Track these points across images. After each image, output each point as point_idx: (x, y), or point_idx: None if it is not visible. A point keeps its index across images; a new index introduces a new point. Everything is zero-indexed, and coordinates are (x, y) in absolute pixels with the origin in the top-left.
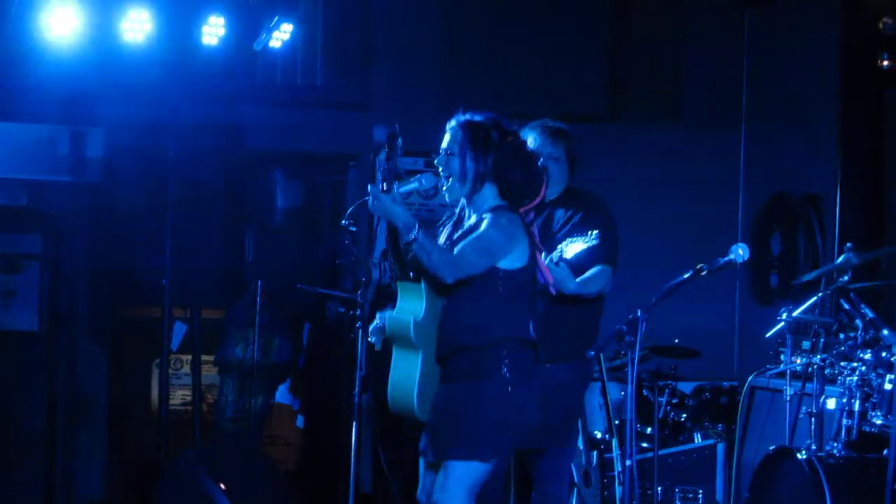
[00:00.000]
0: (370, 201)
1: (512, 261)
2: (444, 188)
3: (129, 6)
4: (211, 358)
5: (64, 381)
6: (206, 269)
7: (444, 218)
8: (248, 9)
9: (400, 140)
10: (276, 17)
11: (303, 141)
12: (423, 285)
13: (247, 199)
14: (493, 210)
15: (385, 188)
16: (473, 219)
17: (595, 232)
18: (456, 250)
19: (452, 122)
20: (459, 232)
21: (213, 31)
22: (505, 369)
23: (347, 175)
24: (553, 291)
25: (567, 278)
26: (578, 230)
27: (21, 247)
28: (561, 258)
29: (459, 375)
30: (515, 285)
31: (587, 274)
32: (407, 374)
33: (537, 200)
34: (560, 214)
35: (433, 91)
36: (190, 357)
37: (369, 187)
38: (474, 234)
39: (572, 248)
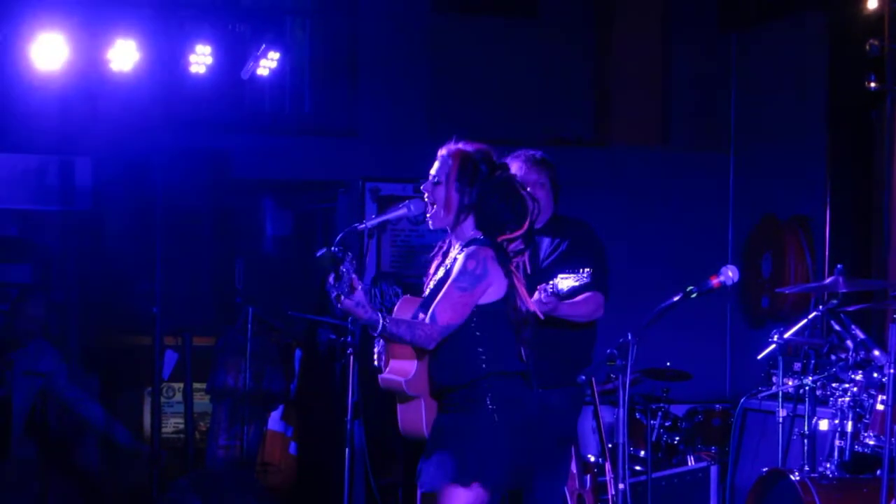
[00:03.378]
0: (337, 306)
1: (486, 295)
2: (428, 216)
3: (115, 36)
4: (203, 385)
5: (55, 409)
6: (197, 296)
7: (435, 250)
8: (236, 37)
9: (348, 257)
10: (264, 45)
11: (292, 168)
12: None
13: (236, 226)
14: (466, 246)
15: (346, 291)
16: (454, 251)
17: (587, 270)
18: (429, 314)
19: (444, 151)
20: (445, 266)
21: (201, 59)
22: (489, 401)
23: (337, 202)
24: (541, 315)
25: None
26: (567, 260)
27: (11, 276)
28: (553, 290)
29: (450, 408)
30: (492, 319)
31: (577, 298)
32: (412, 408)
33: (521, 231)
34: (547, 243)
35: (421, 117)
36: (182, 385)
37: (331, 291)
38: (445, 289)
39: (565, 284)
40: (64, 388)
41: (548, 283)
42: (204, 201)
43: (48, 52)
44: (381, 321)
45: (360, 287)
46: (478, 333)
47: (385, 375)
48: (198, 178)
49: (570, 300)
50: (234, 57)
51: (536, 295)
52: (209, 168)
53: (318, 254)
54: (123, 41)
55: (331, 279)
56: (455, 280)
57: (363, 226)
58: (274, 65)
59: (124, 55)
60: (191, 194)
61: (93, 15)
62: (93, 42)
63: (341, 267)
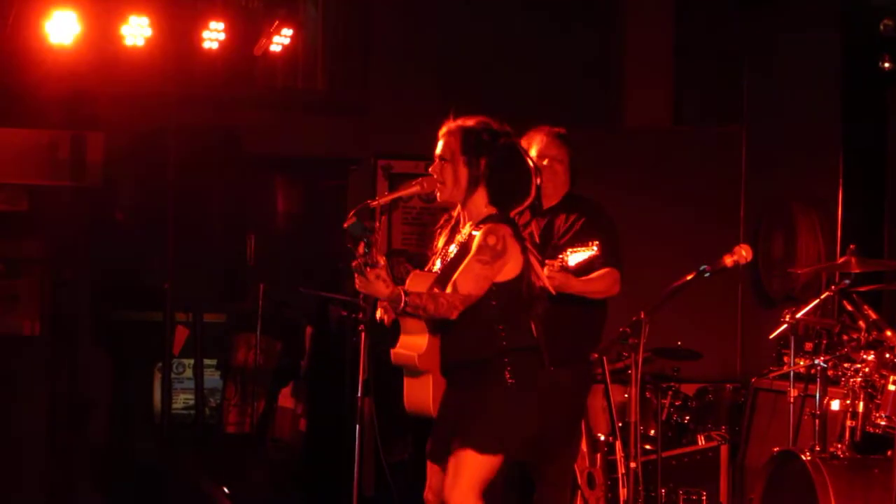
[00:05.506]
0: (356, 282)
1: (504, 273)
2: (438, 193)
3: (129, 12)
4: (213, 362)
5: (65, 385)
6: (208, 273)
7: (442, 222)
8: (249, 14)
9: (375, 228)
10: (277, 22)
11: (303, 145)
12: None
13: (248, 203)
14: (483, 222)
15: (366, 273)
16: (467, 228)
17: (595, 243)
18: (450, 285)
19: (444, 129)
20: (456, 242)
21: (214, 35)
22: (508, 376)
23: (348, 179)
24: (552, 291)
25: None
26: (580, 238)
27: (23, 251)
28: (563, 266)
29: (464, 385)
30: (510, 295)
31: (592, 275)
32: (420, 384)
33: (529, 200)
34: (561, 221)
35: (433, 95)
36: (192, 361)
37: (359, 263)
38: (466, 262)
39: (575, 257)
40: None
41: (556, 258)
42: (215, 178)
43: (61, 27)
44: (403, 296)
45: (382, 262)
46: (496, 311)
47: (397, 350)
48: (210, 155)
49: (585, 277)
50: (247, 33)
51: (546, 270)
52: (221, 144)
53: (347, 224)
54: (136, 17)
55: (361, 250)
56: (476, 253)
57: (375, 203)
58: (287, 41)
59: (138, 31)
60: (202, 170)
61: None
62: (106, 17)
63: (370, 238)
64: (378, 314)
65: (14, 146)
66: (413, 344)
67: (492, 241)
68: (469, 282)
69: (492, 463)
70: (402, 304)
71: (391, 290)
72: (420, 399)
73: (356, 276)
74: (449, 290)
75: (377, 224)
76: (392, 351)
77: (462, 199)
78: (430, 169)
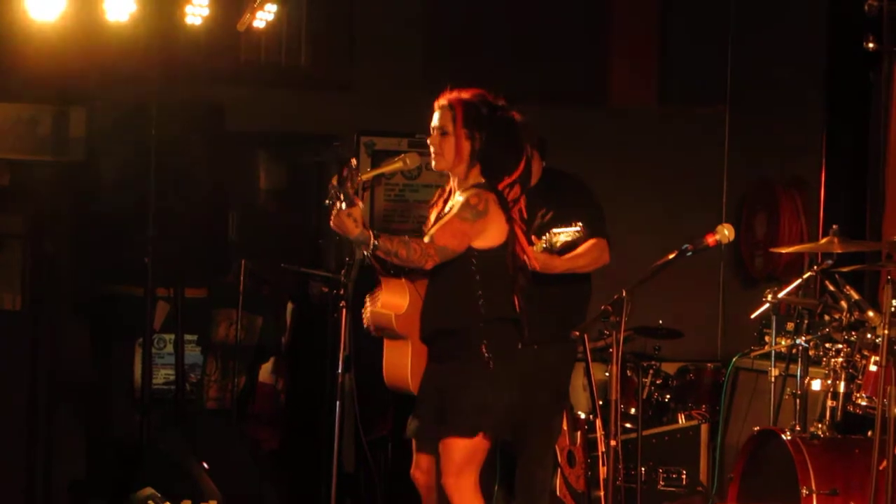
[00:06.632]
0: (331, 220)
1: (486, 239)
2: (433, 166)
3: None
4: (194, 338)
5: (45, 360)
6: (190, 248)
7: (435, 197)
8: None
9: (356, 164)
10: None
11: (286, 121)
12: (404, 281)
13: (230, 178)
14: (469, 189)
15: (341, 207)
16: (456, 196)
17: (579, 224)
18: (427, 236)
19: (443, 101)
20: (447, 210)
21: (197, 11)
22: (485, 350)
23: (330, 155)
24: (535, 267)
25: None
26: (561, 218)
27: (3, 226)
28: (547, 247)
29: (444, 356)
30: (492, 264)
31: (577, 250)
32: (398, 353)
33: (517, 174)
34: (539, 203)
35: (416, 71)
36: (173, 336)
37: (333, 195)
38: (446, 218)
39: (558, 239)
40: None
41: (541, 239)
42: (198, 153)
43: (45, 2)
44: (372, 237)
45: (360, 205)
46: (477, 278)
47: (375, 309)
48: (192, 130)
49: (570, 254)
50: (230, 9)
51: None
52: (204, 120)
53: (333, 147)
54: None
55: (335, 181)
56: (458, 211)
57: (358, 178)
58: (270, 17)
59: (121, 5)
60: (184, 146)
61: None
62: None
63: (351, 175)
64: (365, 318)
65: None
66: (392, 304)
67: (474, 201)
68: (446, 234)
69: (478, 444)
70: (372, 247)
71: (360, 231)
72: (398, 371)
73: (331, 213)
74: (426, 240)
75: (357, 166)
76: (371, 311)
77: (462, 172)
78: (428, 140)
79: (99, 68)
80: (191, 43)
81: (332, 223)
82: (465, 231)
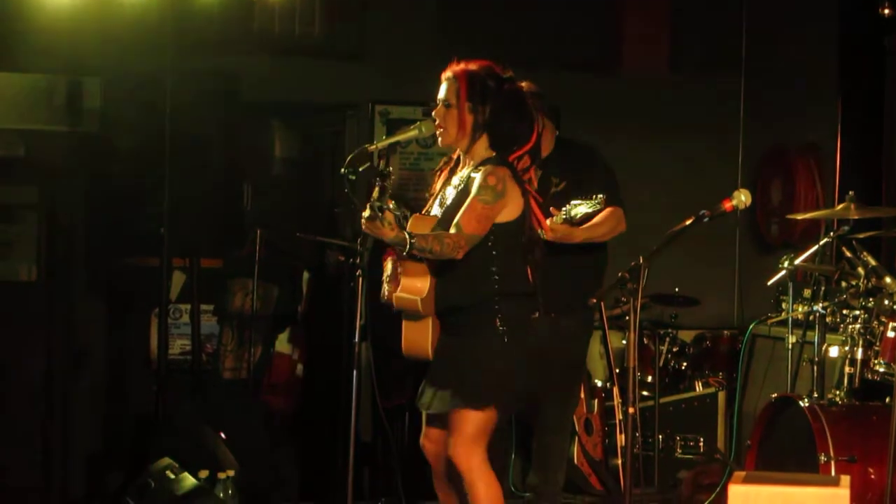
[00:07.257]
0: (363, 223)
1: (504, 215)
2: (439, 138)
3: None
4: (210, 307)
5: (61, 331)
6: (205, 218)
7: (441, 164)
8: None
9: (390, 172)
10: None
11: (301, 90)
12: (425, 263)
13: (245, 148)
14: (482, 165)
15: (374, 214)
16: (466, 171)
17: (600, 196)
18: (454, 227)
19: (448, 73)
20: (453, 186)
21: None
22: (499, 323)
23: (345, 124)
24: (549, 237)
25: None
26: (575, 187)
27: (18, 197)
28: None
29: (458, 330)
30: (508, 238)
31: (594, 219)
32: (419, 326)
33: (529, 146)
34: (555, 173)
35: (430, 40)
36: (189, 307)
37: (372, 208)
38: (468, 203)
39: (578, 210)
40: None
41: (560, 210)
42: (212, 122)
43: None
44: (408, 238)
45: (392, 206)
46: (494, 252)
47: (399, 294)
48: (207, 100)
49: (588, 223)
50: None
51: (548, 222)
52: (218, 89)
53: (360, 169)
54: None
55: (375, 194)
56: (477, 194)
57: (373, 147)
58: None
59: None
60: (199, 115)
61: None
62: None
63: (385, 183)
64: (383, 292)
65: (10, 91)
66: (415, 287)
67: (492, 181)
68: (472, 221)
69: (487, 416)
70: (409, 247)
71: (396, 233)
72: (418, 342)
73: (363, 219)
74: (453, 230)
75: (390, 168)
76: (394, 296)
77: (466, 146)
78: (433, 113)
79: (113, 38)
80: (205, 12)
81: (365, 228)
82: (489, 215)
